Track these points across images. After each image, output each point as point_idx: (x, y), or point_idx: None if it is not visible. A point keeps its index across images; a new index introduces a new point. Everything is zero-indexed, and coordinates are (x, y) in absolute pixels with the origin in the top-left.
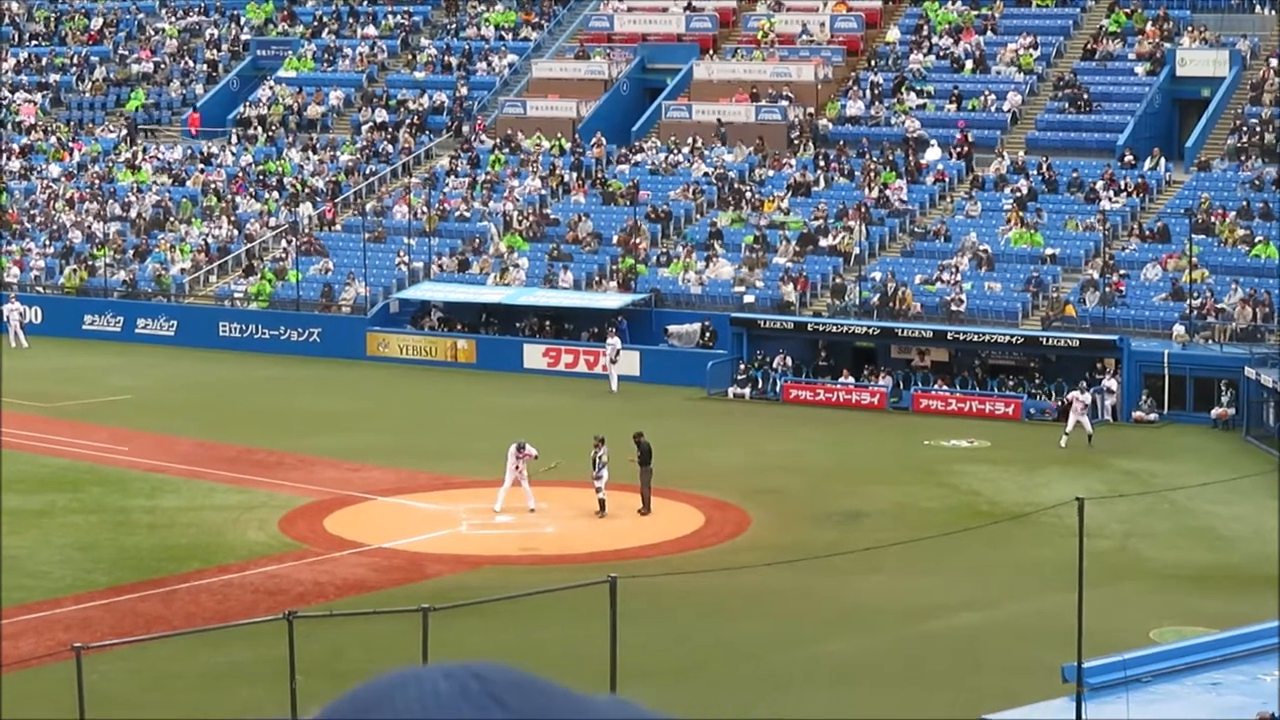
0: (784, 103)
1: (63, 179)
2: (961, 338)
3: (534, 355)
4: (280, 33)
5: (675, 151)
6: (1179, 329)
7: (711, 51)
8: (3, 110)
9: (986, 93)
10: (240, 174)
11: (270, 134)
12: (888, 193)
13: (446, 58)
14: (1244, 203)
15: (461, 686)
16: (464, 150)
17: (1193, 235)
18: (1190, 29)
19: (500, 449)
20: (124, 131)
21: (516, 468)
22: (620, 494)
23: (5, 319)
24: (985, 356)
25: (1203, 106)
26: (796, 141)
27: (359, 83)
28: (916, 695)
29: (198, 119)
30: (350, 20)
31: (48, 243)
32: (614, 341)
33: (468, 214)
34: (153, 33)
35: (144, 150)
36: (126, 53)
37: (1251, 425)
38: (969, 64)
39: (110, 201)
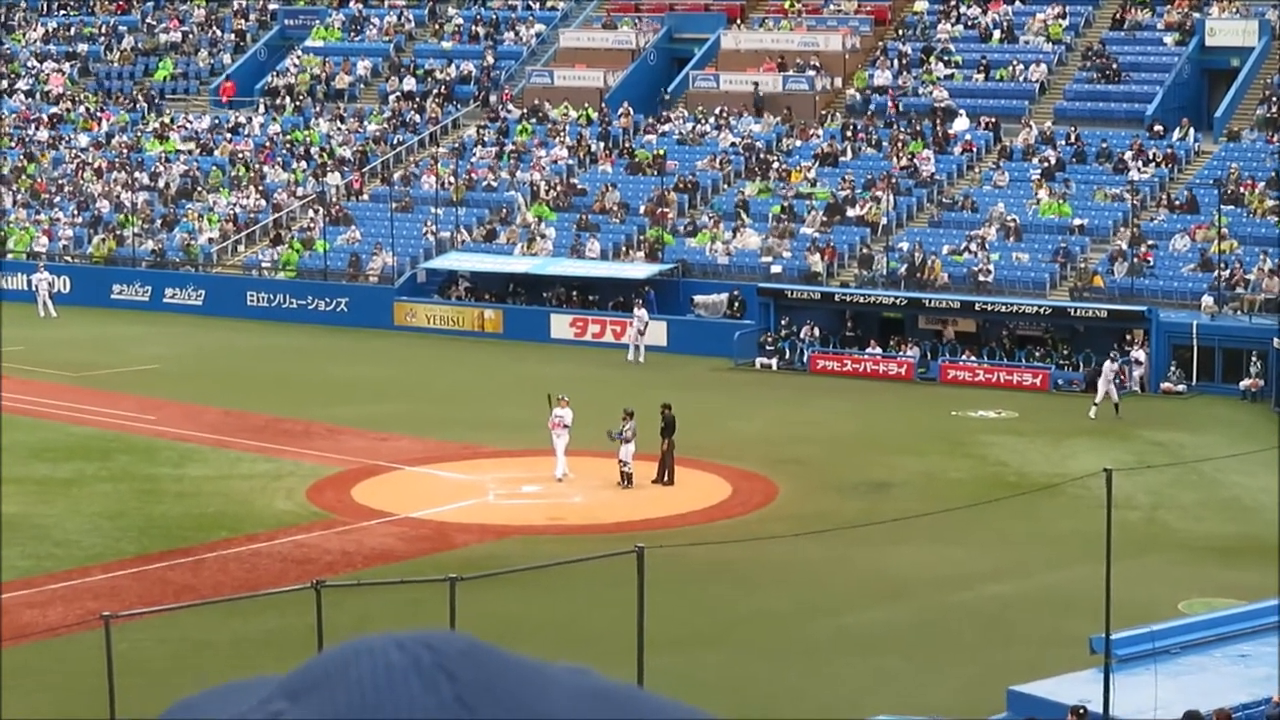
0: (811, 73)
1: (91, 149)
2: (989, 308)
3: (561, 325)
4: (308, 2)
5: (703, 121)
6: (1207, 300)
7: (739, 21)
8: (31, 80)
9: (1015, 62)
10: (268, 144)
11: (298, 104)
12: (915, 163)
13: (474, 27)
14: (1273, 173)
15: (414, 659)
16: (491, 120)
17: (1221, 206)
18: None
19: (529, 419)
20: (142, 103)
21: (553, 424)
22: (647, 466)
23: (34, 288)
24: (1013, 327)
25: (1232, 76)
26: (823, 112)
27: (386, 52)
28: (944, 665)
29: (232, 88)
30: None
31: (76, 212)
32: (641, 313)
33: (495, 184)
34: (180, 2)
35: (172, 120)
36: (154, 22)
37: None
38: (997, 34)
39: (138, 171)
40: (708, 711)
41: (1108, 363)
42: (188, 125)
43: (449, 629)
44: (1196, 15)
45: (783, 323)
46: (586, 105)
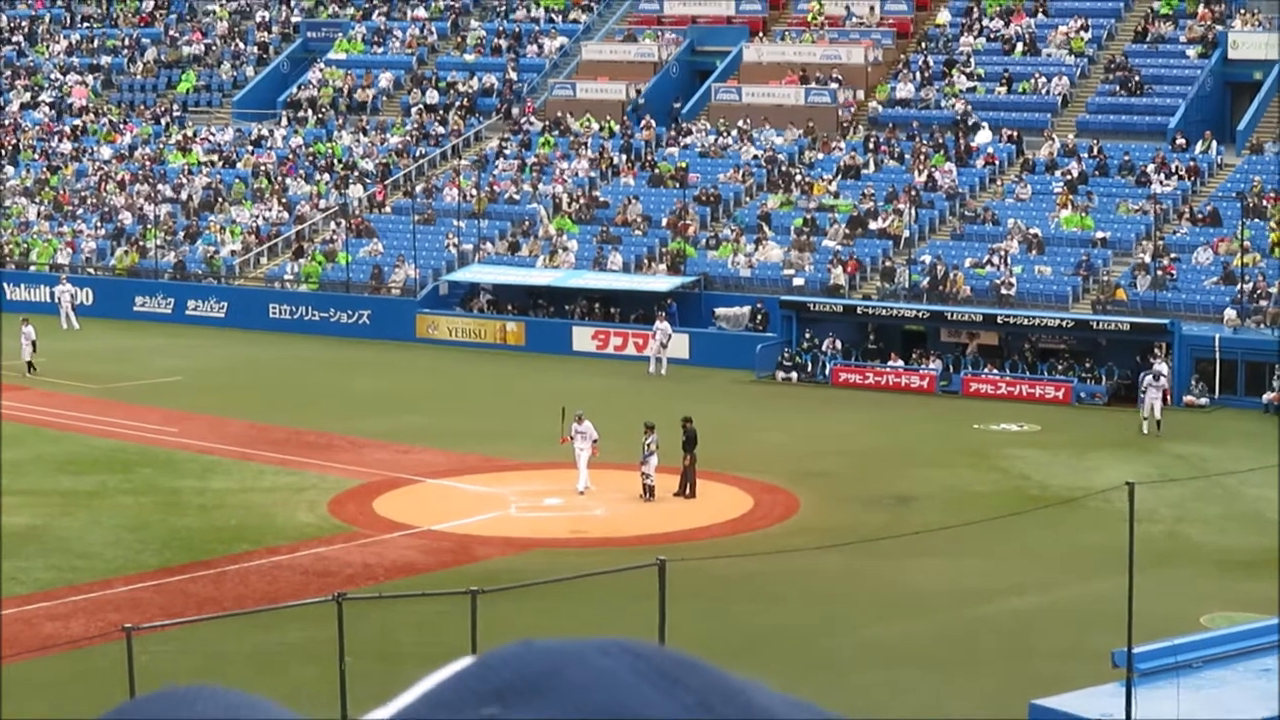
0: (834, 85)
1: (114, 161)
2: (1011, 321)
3: (583, 338)
4: (330, 15)
5: (725, 134)
6: (1230, 313)
7: (761, 34)
8: (55, 92)
9: (1037, 75)
10: (290, 156)
11: (320, 116)
12: (937, 175)
13: (496, 40)
14: None
15: (630, 665)
16: (514, 132)
17: (1244, 219)
18: (1242, 11)
19: (550, 431)
20: (165, 116)
21: (575, 437)
22: (670, 480)
23: (56, 300)
24: (1035, 340)
25: (1255, 89)
26: (845, 124)
27: (409, 65)
28: (966, 679)
29: None
30: (400, 2)
31: (99, 224)
32: (663, 325)
33: (517, 196)
34: (203, 15)
35: (194, 132)
36: (177, 34)
37: None
38: (1019, 46)
39: (161, 183)
40: None
41: (1149, 377)
42: (210, 138)
43: (636, 639)
44: (1219, 28)
45: (805, 335)
46: (609, 118)
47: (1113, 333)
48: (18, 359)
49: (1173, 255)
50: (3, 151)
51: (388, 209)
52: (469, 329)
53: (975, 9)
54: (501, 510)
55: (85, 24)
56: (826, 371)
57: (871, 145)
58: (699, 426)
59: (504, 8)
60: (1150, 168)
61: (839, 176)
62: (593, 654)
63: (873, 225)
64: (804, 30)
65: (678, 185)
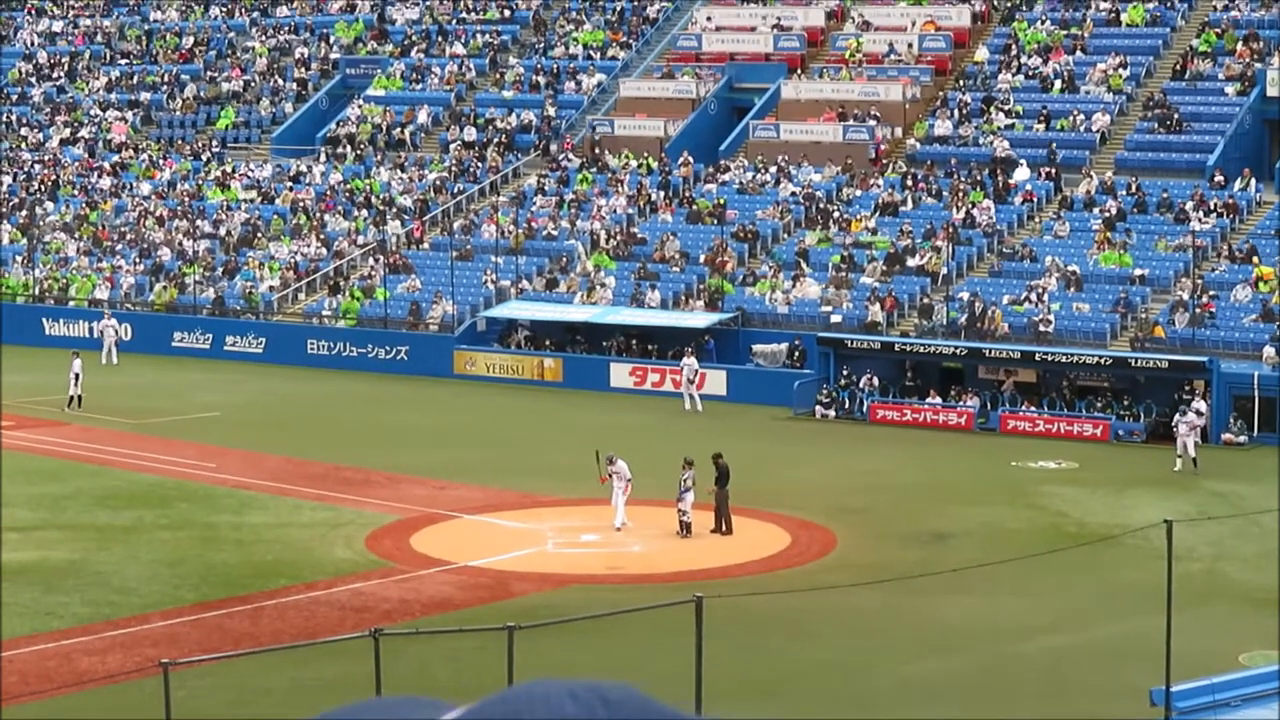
0: (871, 122)
1: (153, 197)
2: (1049, 358)
3: (620, 374)
4: (369, 52)
5: (763, 171)
6: (1269, 350)
7: (799, 71)
8: (94, 128)
9: (1075, 113)
10: (329, 192)
11: (359, 152)
12: (975, 213)
13: (535, 77)
14: None
15: (588, 709)
16: (552, 169)
17: None
18: None
19: (587, 468)
20: (204, 154)
21: (611, 476)
22: (707, 516)
23: (99, 334)
24: (1073, 377)
25: None
26: (884, 161)
27: (447, 101)
28: (1003, 717)
29: None
30: (439, 39)
31: (138, 260)
32: (689, 361)
33: (555, 233)
34: (243, 51)
35: (233, 168)
36: (216, 71)
37: None
38: (1058, 84)
39: (200, 219)
40: None
41: (1179, 415)
42: (249, 174)
43: (619, 683)
44: (1258, 65)
45: (843, 372)
46: (646, 154)
47: (1151, 370)
48: (63, 393)
49: (1211, 292)
50: (43, 187)
51: (426, 245)
52: (506, 365)
53: (1014, 46)
54: (538, 546)
55: (125, 60)
56: (864, 408)
57: (909, 182)
58: (736, 463)
59: (542, 45)
60: (1189, 205)
61: (877, 213)
62: (562, 698)
63: (911, 262)
64: (842, 67)
65: (716, 222)
